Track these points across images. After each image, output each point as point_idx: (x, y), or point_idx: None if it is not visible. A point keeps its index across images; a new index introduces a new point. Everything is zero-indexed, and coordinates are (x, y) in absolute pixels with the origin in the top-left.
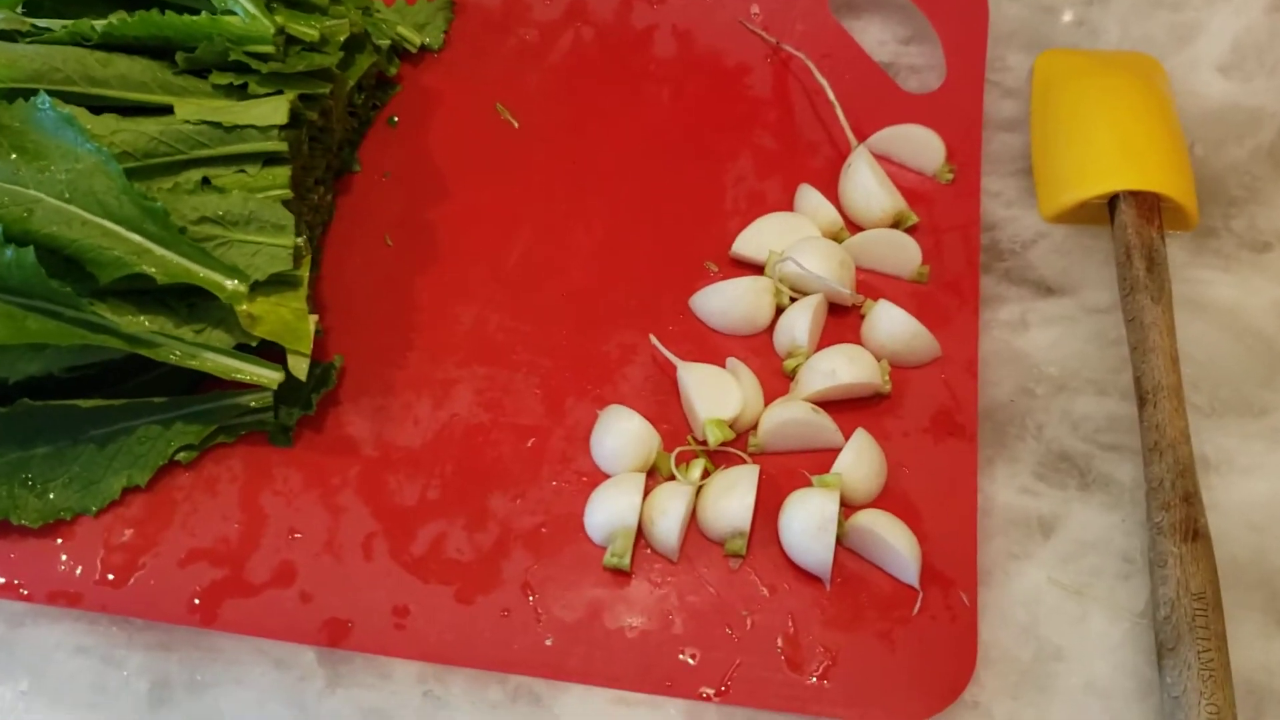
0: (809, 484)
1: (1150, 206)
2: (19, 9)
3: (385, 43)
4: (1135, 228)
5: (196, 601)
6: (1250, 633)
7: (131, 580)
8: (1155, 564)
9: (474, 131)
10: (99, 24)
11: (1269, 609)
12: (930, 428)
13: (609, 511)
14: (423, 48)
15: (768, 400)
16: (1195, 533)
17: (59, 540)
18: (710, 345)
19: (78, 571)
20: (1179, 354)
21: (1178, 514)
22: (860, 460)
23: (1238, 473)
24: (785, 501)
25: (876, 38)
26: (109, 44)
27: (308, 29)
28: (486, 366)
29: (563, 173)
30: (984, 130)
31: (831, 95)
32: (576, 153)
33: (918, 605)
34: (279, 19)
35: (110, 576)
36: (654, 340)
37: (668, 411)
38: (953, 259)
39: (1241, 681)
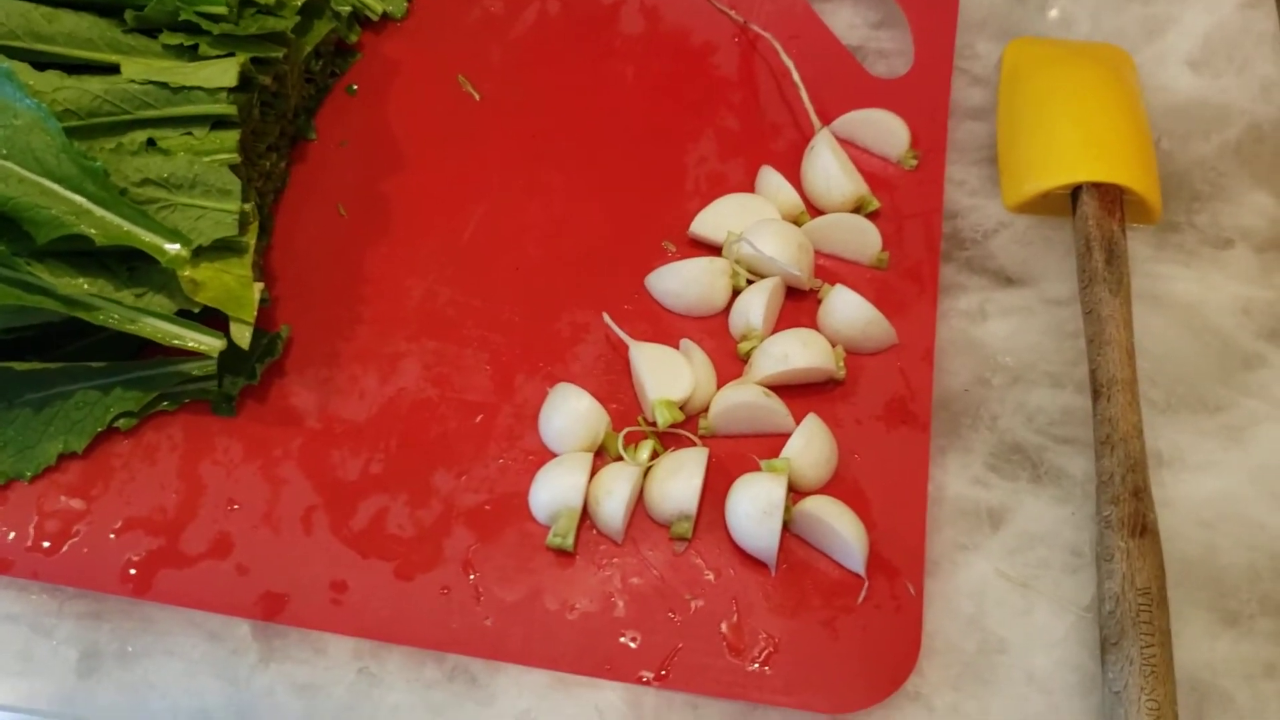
0: (757, 468)
1: (1112, 199)
2: None
3: (346, 9)
4: (1096, 219)
5: (131, 571)
6: (1196, 631)
7: (65, 548)
8: (1102, 558)
9: (434, 103)
10: None
11: (1215, 607)
12: (884, 415)
13: (553, 491)
14: (385, 15)
15: (721, 383)
16: (1143, 528)
17: None
18: (664, 325)
19: (10, 537)
20: (1136, 348)
21: (1126, 508)
22: (810, 445)
23: (1190, 470)
24: (732, 485)
25: (846, 21)
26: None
27: None
28: (436, 341)
29: (522, 147)
30: (951, 118)
31: (797, 77)
32: (537, 127)
33: (863, 594)
34: None
35: (45, 544)
36: (606, 319)
37: (618, 391)
38: (913, 246)
39: (1185, 679)
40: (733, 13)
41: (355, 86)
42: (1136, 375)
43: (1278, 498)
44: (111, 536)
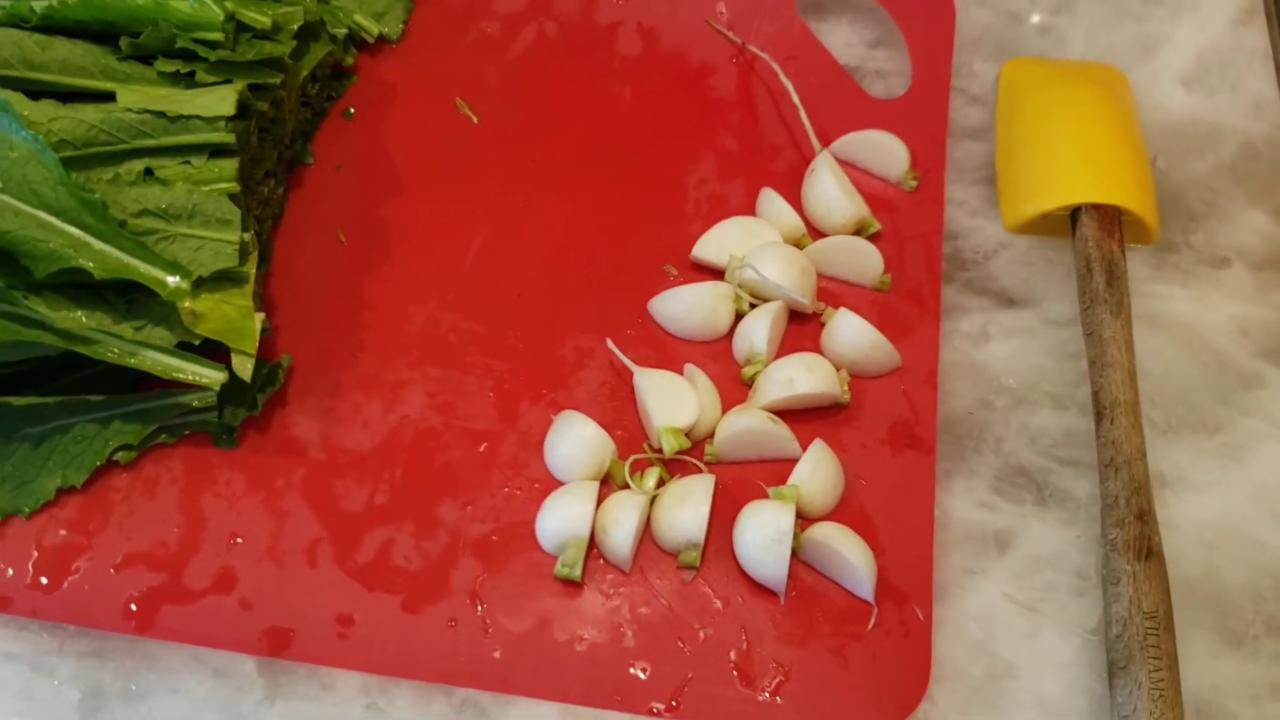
0: (765, 495)
1: (1111, 220)
2: None
3: (341, 32)
4: (1096, 241)
5: (133, 608)
6: (1200, 651)
7: (65, 584)
8: (1108, 581)
9: (432, 125)
10: (39, 5)
11: (1219, 628)
12: (888, 439)
13: (560, 520)
14: (380, 38)
15: (725, 408)
16: (1149, 551)
17: None
18: (668, 350)
19: (8, 574)
20: (1137, 369)
21: (1131, 531)
22: (817, 472)
23: (1192, 490)
24: (740, 513)
25: (843, 40)
26: (49, 26)
27: (260, 16)
28: (439, 368)
29: (521, 170)
30: (949, 138)
31: (796, 99)
32: (535, 150)
33: (872, 621)
34: (229, 4)
35: (43, 580)
36: (610, 345)
37: (623, 418)
38: (914, 268)
39: (1190, 700)
40: (731, 34)
41: (352, 110)
42: (1138, 397)
43: (1278, 517)
44: (112, 572)
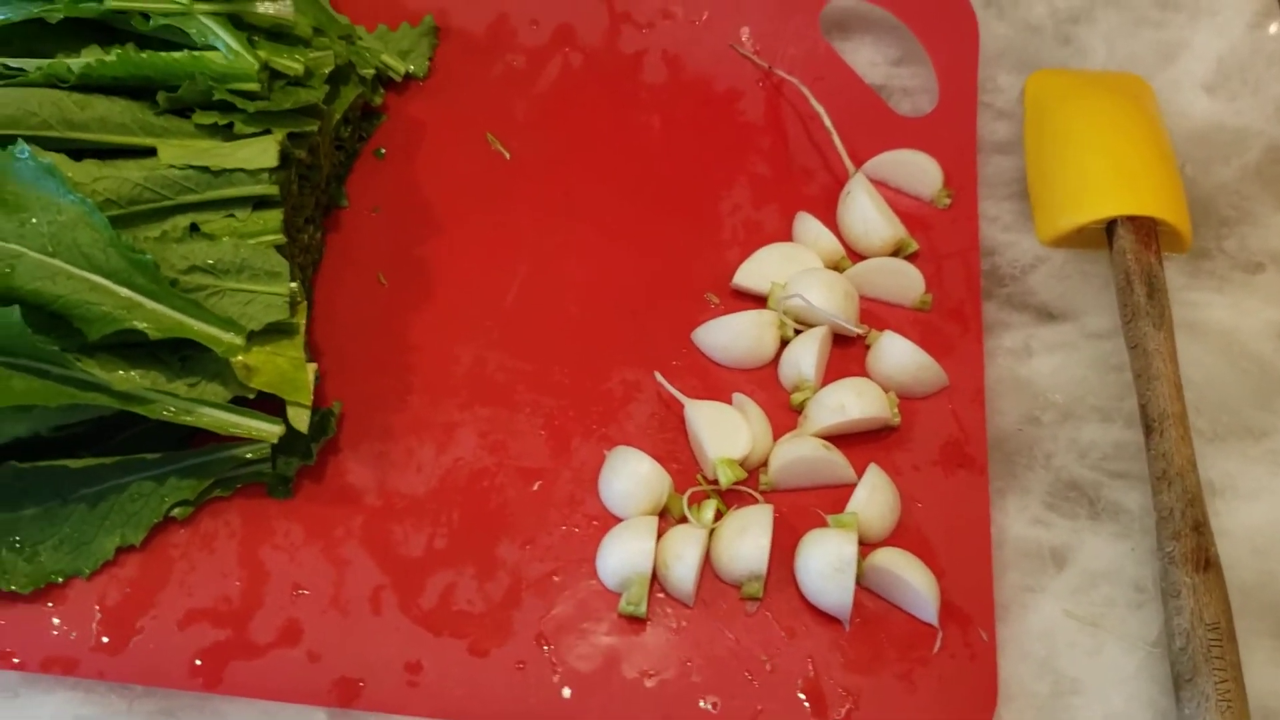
0: (823, 523)
1: (1148, 231)
2: None
3: (369, 72)
4: (1134, 254)
5: (198, 663)
6: (1261, 659)
7: (129, 644)
8: (1168, 594)
9: (463, 162)
10: (76, 64)
11: (1276, 634)
12: (940, 460)
13: (623, 557)
14: (408, 75)
15: (775, 435)
16: (1207, 562)
17: (50, 604)
18: (714, 379)
19: (72, 636)
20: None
21: (1189, 544)
22: (874, 498)
23: (1241, 498)
24: (801, 542)
25: (867, 59)
26: (86, 85)
27: (291, 63)
28: (489, 408)
29: (556, 203)
30: (978, 153)
31: (828, 122)
32: (568, 182)
33: (938, 644)
34: (262, 54)
35: (106, 640)
36: (659, 378)
37: (675, 450)
38: (954, 286)
39: (1255, 707)
40: (757, 58)
41: (383, 150)
42: (1185, 408)
43: None
44: (176, 629)
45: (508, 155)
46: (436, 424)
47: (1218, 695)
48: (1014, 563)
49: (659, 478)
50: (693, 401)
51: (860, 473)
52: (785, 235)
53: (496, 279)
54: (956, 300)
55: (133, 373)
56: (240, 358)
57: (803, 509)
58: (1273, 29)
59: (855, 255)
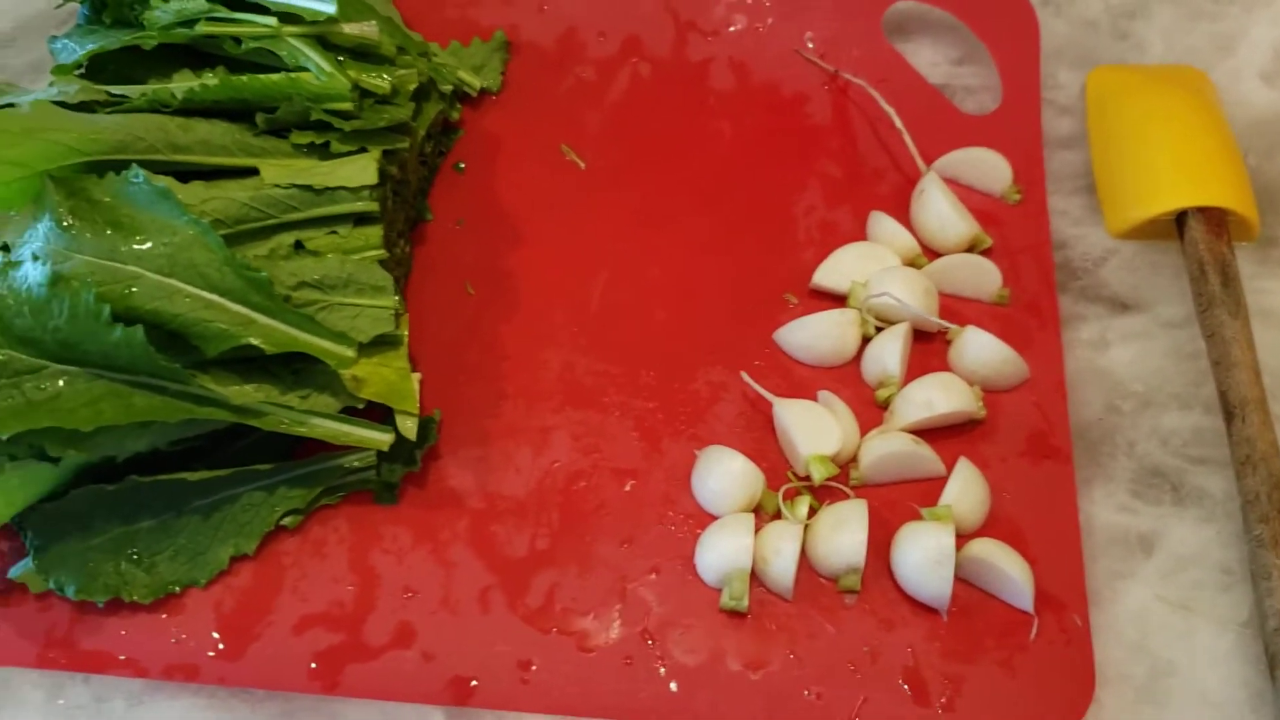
0: (916, 515)
1: (1218, 221)
2: (77, 71)
3: (448, 88)
4: (1206, 244)
5: (314, 666)
6: None
7: (247, 650)
8: (1259, 576)
9: (541, 174)
10: (179, 90)
11: None
12: (1026, 451)
13: (722, 554)
14: (483, 90)
15: (862, 431)
16: None
17: (169, 614)
18: (797, 378)
19: (191, 644)
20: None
21: (1277, 526)
22: (967, 490)
23: None
24: (897, 536)
25: (928, 59)
26: (189, 109)
27: (379, 81)
28: (580, 411)
29: (632, 211)
30: (1044, 149)
31: (898, 122)
32: (643, 190)
33: (1034, 631)
34: (351, 73)
35: (224, 647)
36: (745, 377)
37: (764, 448)
38: (1029, 280)
39: None
40: (822, 62)
41: (463, 164)
42: (1265, 394)
43: None
44: (292, 634)
45: (583, 165)
46: (531, 428)
47: None
48: (1103, 550)
49: (753, 475)
50: (781, 400)
51: (949, 466)
52: (860, 235)
53: (580, 286)
54: (1032, 294)
55: (247, 387)
56: (350, 370)
57: (895, 503)
58: None
59: (931, 253)
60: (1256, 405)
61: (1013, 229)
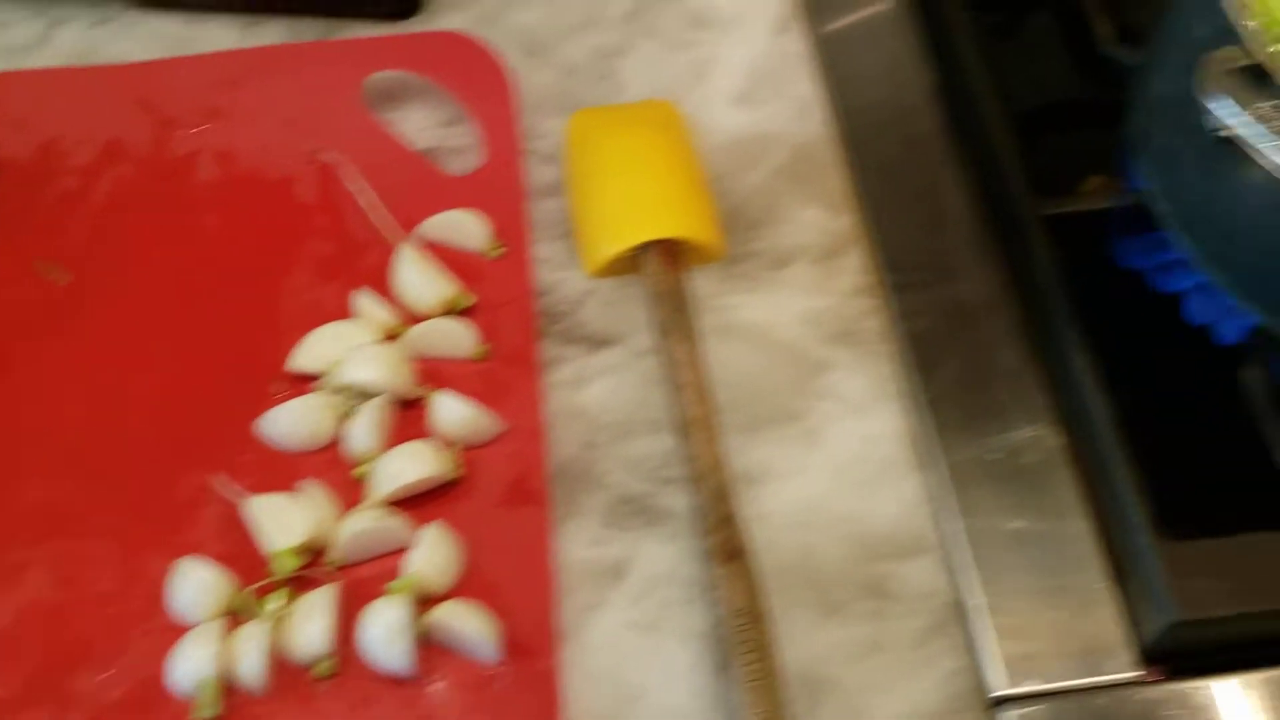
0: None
1: (670, 252)
2: None
3: None
4: (658, 275)
5: None
6: (802, 628)
7: None
8: (710, 588)
9: (15, 295)
10: None
11: (817, 602)
12: (503, 501)
13: (186, 666)
14: None
15: (348, 510)
16: (734, 552)
17: None
18: (285, 468)
19: None
20: (717, 380)
21: (717, 538)
22: (432, 555)
23: (779, 479)
24: (360, 614)
25: (418, 125)
26: None
27: None
28: (60, 541)
29: (117, 321)
30: (531, 199)
31: (367, 197)
32: (131, 297)
33: (496, 683)
34: None
35: None
36: (215, 482)
37: (247, 548)
38: (510, 331)
39: (799, 675)
40: (302, 141)
41: None
42: (711, 411)
43: (858, 486)
44: None
45: (67, 280)
46: (5, 567)
47: (747, 676)
48: (578, 584)
49: (218, 580)
50: (250, 498)
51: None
52: (347, 313)
53: (62, 409)
54: (514, 345)
55: None
56: None
57: (376, 579)
58: (793, 31)
59: (417, 317)
60: (700, 423)
61: (495, 284)
